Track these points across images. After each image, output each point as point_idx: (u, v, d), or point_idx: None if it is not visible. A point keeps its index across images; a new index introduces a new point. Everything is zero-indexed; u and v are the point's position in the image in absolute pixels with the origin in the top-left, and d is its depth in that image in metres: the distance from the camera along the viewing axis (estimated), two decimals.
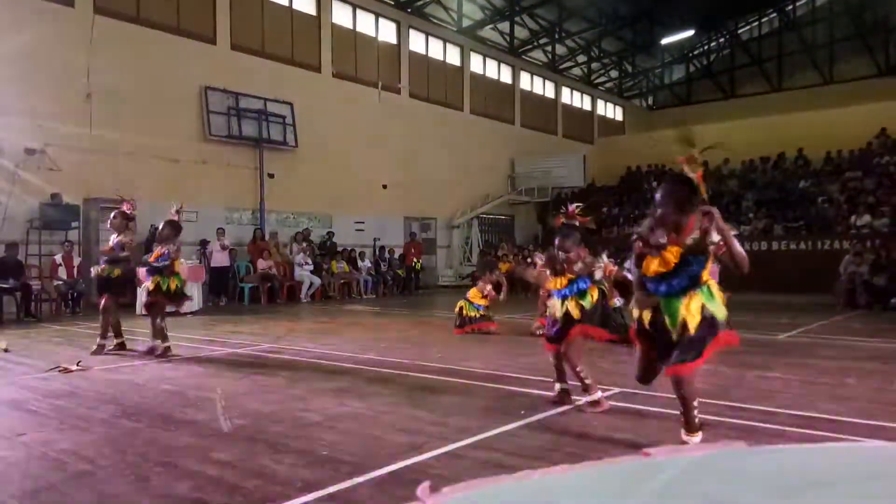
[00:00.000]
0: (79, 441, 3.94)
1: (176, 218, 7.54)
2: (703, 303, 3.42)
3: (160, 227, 7.55)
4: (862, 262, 13.42)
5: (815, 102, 24.31)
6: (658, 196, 3.50)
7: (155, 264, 7.29)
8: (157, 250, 7.34)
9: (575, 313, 4.64)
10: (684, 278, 3.41)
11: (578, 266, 4.70)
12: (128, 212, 7.74)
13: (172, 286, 7.32)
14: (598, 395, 4.64)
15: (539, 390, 5.24)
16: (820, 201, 19.20)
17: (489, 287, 9.37)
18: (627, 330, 7.92)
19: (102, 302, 7.48)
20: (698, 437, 3.63)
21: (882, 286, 12.81)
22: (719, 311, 3.45)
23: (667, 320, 3.48)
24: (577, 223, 4.92)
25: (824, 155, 21.91)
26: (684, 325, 3.40)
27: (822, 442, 3.68)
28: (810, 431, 4.03)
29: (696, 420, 3.61)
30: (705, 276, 3.45)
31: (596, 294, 4.74)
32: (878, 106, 21.52)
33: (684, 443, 3.60)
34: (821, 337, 8.64)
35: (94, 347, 7.34)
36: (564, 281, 4.76)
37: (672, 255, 3.40)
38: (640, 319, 3.64)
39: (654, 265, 3.47)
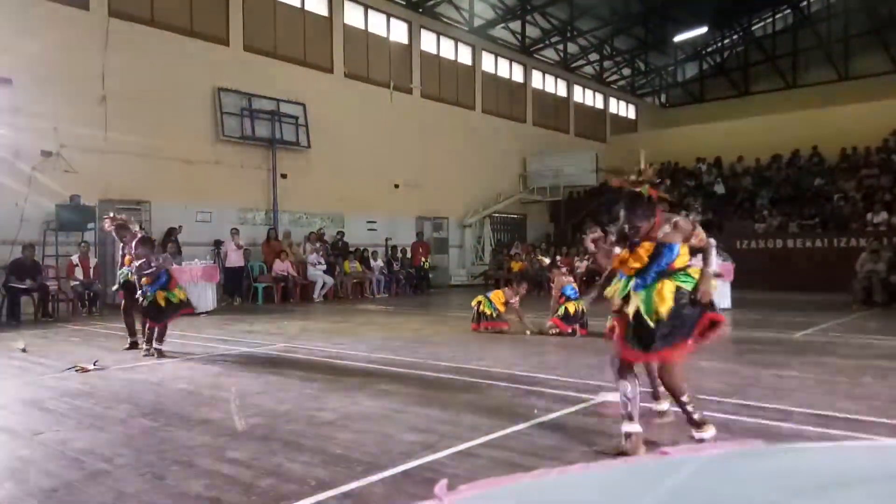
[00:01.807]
0: (96, 440, 3.98)
1: (141, 234, 7.52)
2: (677, 285, 3.56)
3: (133, 247, 7.38)
4: (879, 260, 13.28)
5: (830, 99, 24.05)
6: (621, 215, 3.68)
7: (156, 286, 7.23)
8: (148, 275, 7.22)
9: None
10: (655, 269, 3.59)
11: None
12: (110, 227, 7.84)
13: (182, 296, 7.37)
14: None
15: (552, 389, 5.23)
16: (836, 199, 19.01)
17: (517, 299, 9.31)
18: None
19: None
20: (710, 431, 3.62)
21: None
22: (710, 288, 3.58)
23: (642, 308, 3.59)
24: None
25: (839, 152, 21.70)
26: (658, 312, 3.54)
27: (839, 441, 3.65)
28: (827, 430, 3.99)
29: (696, 414, 3.64)
30: (680, 263, 3.61)
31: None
32: (895, 102, 21.27)
33: (697, 441, 3.60)
34: (837, 335, 8.56)
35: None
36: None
37: (645, 250, 3.60)
38: (622, 313, 3.72)
39: (630, 262, 3.65)
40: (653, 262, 3.59)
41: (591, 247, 5.72)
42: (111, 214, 8.09)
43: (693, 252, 3.70)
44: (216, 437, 3.99)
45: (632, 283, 3.70)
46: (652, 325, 3.53)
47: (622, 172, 3.76)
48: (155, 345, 7.28)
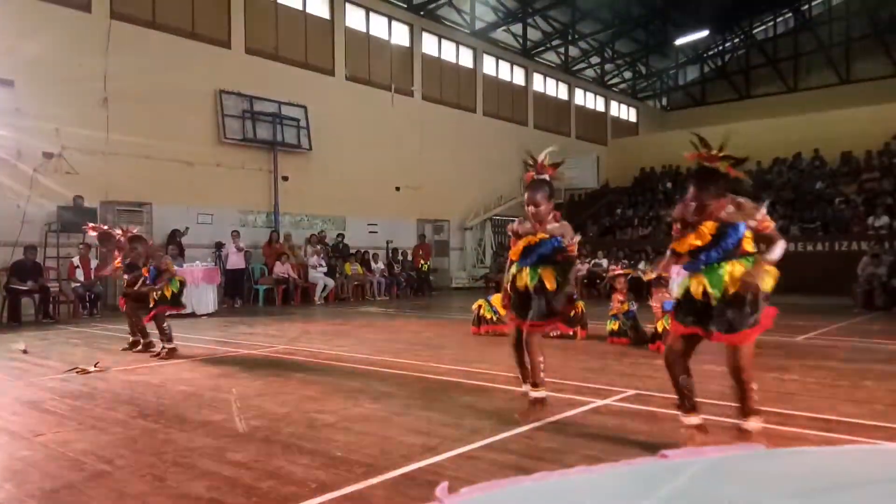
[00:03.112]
0: (96, 441, 3.98)
1: (129, 234, 7.57)
2: (748, 270, 3.42)
3: (129, 250, 7.51)
4: (880, 264, 13.27)
5: (832, 102, 24.07)
6: (690, 190, 3.54)
7: (150, 278, 7.33)
8: (145, 267, 7.37)
9: (551, 286, 4.24)
10: (721, 249, 3.44)
11: (553, 224, 4.28)
12: (94, 234, 8.02)
13: (167, 293, 7.33)
14: (545, 394, 4.46)
15: (552, 392, 5.21)
16: (837, 202, 19.00)
17: None
18: (640, 333, 7.95)
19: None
20: (759, 421, 3.55)
21: None
22: (764, 281, 3.42)
23: (708, 287, 3.45)
24: (549, 177, 4.46)
25: (840, 156, 21.70)
26: (726, 292, 3.41)
27: (840, 444, 3.65)
28: (828, 434, 3.99)
29: (755, 403, 3.55)
30: (749, 245, 3.46)
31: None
32: None
33: (744, 431, 3.53)
34: (838, 339, 8.55)
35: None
36: (535, 239, 4.29)
37: (707, 228, 3.45)
38: (686, 294, 3.58)
39: (689, 240, 3.50)
40: (717, 242, 3.43)
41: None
42: (90, 224, 8.19)
43: (757, 240, 3.52)
44: (217, 439, 3.98)
45: (691, 264, 3.55)
46: (716, 304, 3.42)
47: (706, 146, 3.56)
48: (167, 345, 7.29)
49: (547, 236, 4.24)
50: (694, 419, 3.64)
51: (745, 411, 3.57)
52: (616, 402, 4.92)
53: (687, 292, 3.59)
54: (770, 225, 3.48)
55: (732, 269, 3.43)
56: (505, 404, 4.88)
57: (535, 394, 4.41)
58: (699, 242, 3.47)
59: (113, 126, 13.39)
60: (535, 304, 4.32)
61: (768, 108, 26.34)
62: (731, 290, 3.41)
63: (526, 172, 4.50)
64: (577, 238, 4.34)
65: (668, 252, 3.77)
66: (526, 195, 4.33)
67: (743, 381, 3.51)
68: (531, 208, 4.27)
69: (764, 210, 3.49)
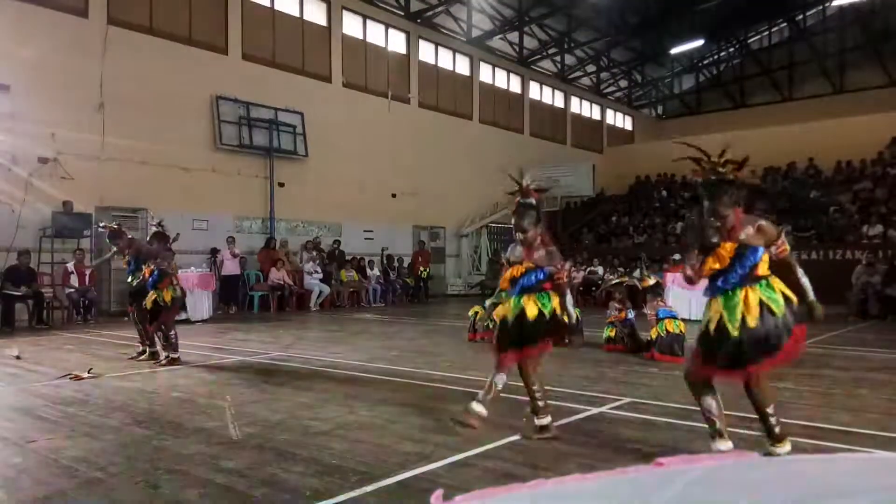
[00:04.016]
0: (89, 448, 3.96)
1: (160, 229, 7.58)
2: (762, 297, 3.35)
3: (149, 240, 7.50)
4: (874, 273, 13.31)
5: (826, 112, 24.20)
6: (705, 205, 3.50)
7: (151, 280, 7.33)
8: (148, 267, 7.37)
9: (531, 314, 4.11)
10: (739, 271, 3.38)
11: (540, 252, 4.20)
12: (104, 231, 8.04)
13: (167, 298, 7.30)
14: (549, 419, 4.17)
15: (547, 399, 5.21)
16: (831, 211, 19.08)
17: None
18: (637, 341, 7.95)
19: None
20: (786, 446, 3.46)
21: (895, 296, 12.69)
22: (778, 306, 3.35)
23: (725, 317, 3.37)
24: (535, 201, 4.37)
25: (835, 165, 21.80)
26: (744, 321, 3.32)
27: (834, 453, 3.65)
28: (822, 443, 4.00)
29: (778, 428, 3.47)
30: (763, 269, 3.41)
31: (555, 301, 4.18)
32: (890, 115, 21.40)
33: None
34: (833, 347, 8.57)
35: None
36: (521, 269, 4.21)
37: (726, 251, 3.40)
38: (706, 327, 3.50)
39: (709, 263, 3.45)
40: (735, 264, 3.36)
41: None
42: (103, 223, 8.19)
43: (775, 265, 3.47)
44: (210, 446, 3.97)
45: (710, 286, 3.48)
46: (735, 334, 3.32)
47: (701, 157, 3.51)
48: (171, 354, 7.26)
49: (532, 266, 4.18)
50: (721, 445, 3.50)
51: (772, 437, 3.48)
52: (611, 410, 4.92)
53: (706, 326, 3.50)
54: (787, 249, 3.47)
55: (748, 297, 3.35)
56: (499, 412, 4.87)
57: (537, 421, 4.18)
58: (718, 266, 3.41)
59: (109, 131, 13.37)
60: (518, 331, 4.19)
61: (763, 117, 26.45)
62: (749, 320, 3.32)
63: (510, 195, 4.43)
64: (568, 265, 4.29)
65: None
66: (513, 221, 4.28)
67: (762, 408, 3.46)
68: (519, 235, 4.24)
69: (784, 238, 3.48)
